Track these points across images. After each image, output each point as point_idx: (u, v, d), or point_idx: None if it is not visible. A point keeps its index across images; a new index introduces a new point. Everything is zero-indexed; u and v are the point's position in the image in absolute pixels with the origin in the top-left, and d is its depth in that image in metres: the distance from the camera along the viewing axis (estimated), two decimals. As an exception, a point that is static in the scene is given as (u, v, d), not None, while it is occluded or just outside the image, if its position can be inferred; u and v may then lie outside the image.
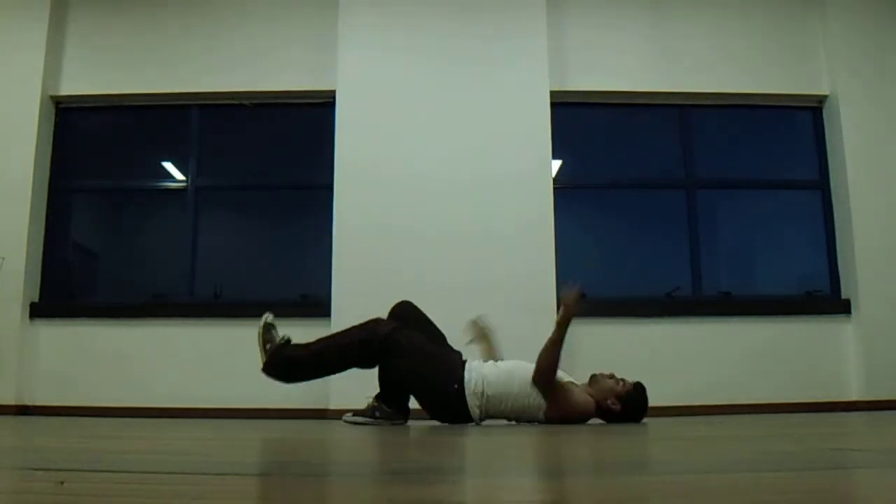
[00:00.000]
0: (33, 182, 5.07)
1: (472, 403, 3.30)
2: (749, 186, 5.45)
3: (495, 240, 4.86)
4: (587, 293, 3.35)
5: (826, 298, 5.18)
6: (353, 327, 3.46)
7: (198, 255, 5.25)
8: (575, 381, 3.44)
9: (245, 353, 4.92)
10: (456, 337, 3.63)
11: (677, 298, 5.14)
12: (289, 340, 3.42)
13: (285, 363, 3.39)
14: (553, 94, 5.08)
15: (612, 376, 3.43)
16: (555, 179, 5.06)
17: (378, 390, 3.47)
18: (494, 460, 1.58)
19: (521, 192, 4.92)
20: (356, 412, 3.45)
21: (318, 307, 4.88)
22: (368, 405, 3.43)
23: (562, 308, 3.24)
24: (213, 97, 5.34)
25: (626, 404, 3.36)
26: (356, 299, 4.77)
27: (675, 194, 5.35)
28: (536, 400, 3.29)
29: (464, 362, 3.43)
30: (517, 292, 4.78)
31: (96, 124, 5.52)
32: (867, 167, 5.13)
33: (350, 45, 5.12)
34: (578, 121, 5.39)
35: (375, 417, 3.39)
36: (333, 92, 5.09)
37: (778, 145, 5.55)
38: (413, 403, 3.51)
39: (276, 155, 5.51)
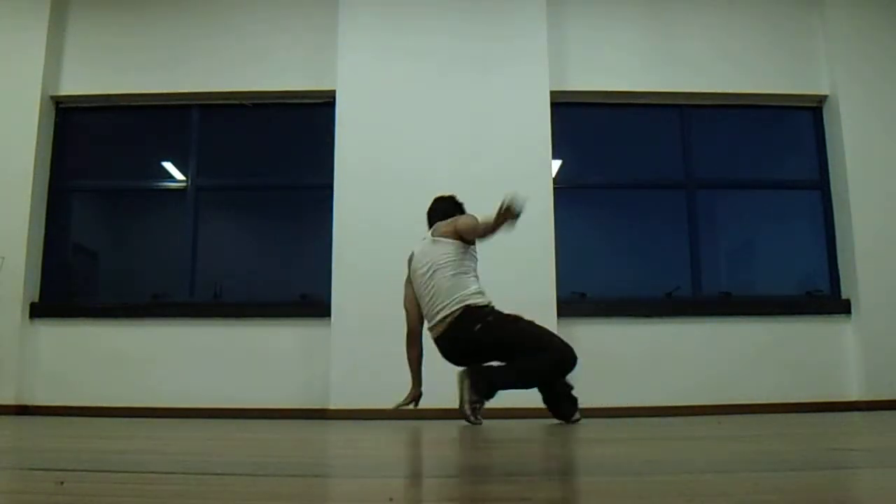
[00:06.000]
0: (33, 182, 5.07)
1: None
2: (749, 186, 5.45)
3: (495, 240, 4.83)
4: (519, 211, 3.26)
5: (826, 298, 5.17)
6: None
7: (198, 255, 5.25)
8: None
9: (245, 353, 4.94)
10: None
11: (677, 298, 5.14)
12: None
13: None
14: (553, 94, 5.07)
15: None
16: (555, 179, 5.05)
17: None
18: (503, 459, 1.58)
19: (521, 192, 4.90)
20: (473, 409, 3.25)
21: (318, 307, 4.88)
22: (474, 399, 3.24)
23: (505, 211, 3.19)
24: (213, 97, 5.33)
25: None
26: (356, 299, 4.77)
27: (675, 194, 5.34)
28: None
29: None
30: (517, 292, 4.75)
31: (96, 124, 5.52)
32: (867, 167, 5.13)
33: (350, 46, 5.12)
34: (578, 121, 5.39)
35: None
36: (333, 92, 5.09)
37: (778, 145, 5.55)
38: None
39: (276, 155, 5.50)
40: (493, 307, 3.46)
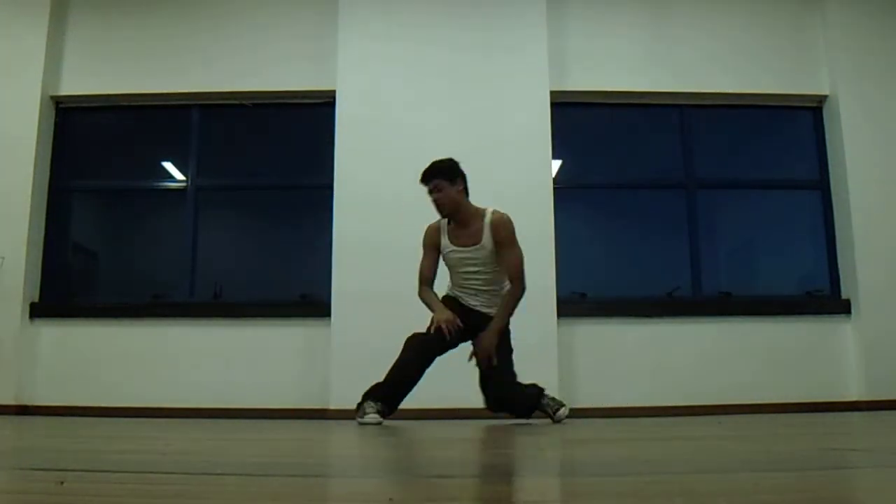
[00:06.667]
0: (33, 182, 5.06)
1: None
2: (749, 186, 5.44)
3: (495, 240, 4.85)
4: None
5: (826, 298, 5.17)
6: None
7: (198, 255, 5.25)
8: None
9: (245, 353, 4.94)
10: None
11: (677, 298, 5.14)
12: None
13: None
14: (553, 94, 5.07)
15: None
16: (555, 179, 5.05)
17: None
18: (503, 459, 1.58)
19: (521, 192, 4.92)
20: None
21: (318, 307, 4.88)
22: None
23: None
24: (213, 97, 5.33)
25: None
26: (356, 299, 4.77)
27: (675, 194, 5.34)
28: None
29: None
30: (517, 292, 4.77)
31: (96, 124, 5.52)
32: (867, 167, 5.13)
33: (350, 45, 5.12)
34: (578, 121, 5.39)
35: None
36: (333, 92, 5.09)
37: (778, 145, 5.55)
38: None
39: (276, 155, 5.50)
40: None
